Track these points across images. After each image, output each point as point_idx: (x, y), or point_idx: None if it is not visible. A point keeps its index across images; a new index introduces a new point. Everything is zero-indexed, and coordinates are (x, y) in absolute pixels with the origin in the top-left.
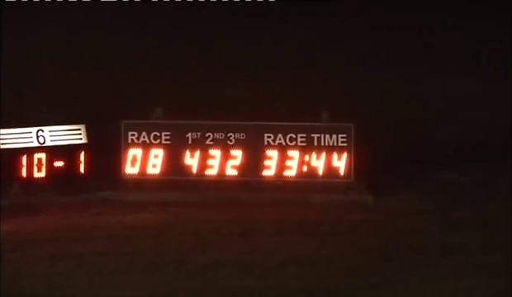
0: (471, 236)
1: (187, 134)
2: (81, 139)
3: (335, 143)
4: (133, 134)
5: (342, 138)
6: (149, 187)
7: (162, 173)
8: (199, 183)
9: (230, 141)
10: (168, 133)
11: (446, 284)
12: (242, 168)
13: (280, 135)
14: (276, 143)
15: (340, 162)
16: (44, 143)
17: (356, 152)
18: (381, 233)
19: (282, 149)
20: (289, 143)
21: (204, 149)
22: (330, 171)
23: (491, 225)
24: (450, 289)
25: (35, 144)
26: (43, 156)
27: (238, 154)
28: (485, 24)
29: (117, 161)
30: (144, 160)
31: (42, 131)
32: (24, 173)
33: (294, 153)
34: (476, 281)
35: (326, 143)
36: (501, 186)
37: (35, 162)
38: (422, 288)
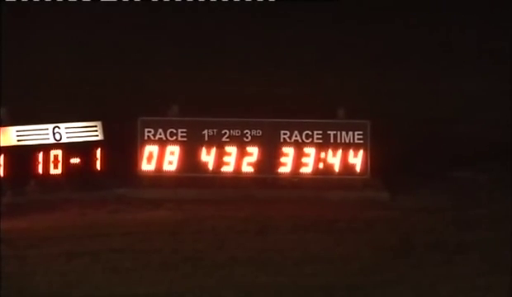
0: (486, 234)
1: (204, 131)
2: (97, 135)
3: (351, 141)
4: (149, 131)
5: (358, 135)
6: (165, 184)
7: (178, 170)
8: (215, 180)
9: (247, 138)
10: (185, 130)
11: (462, 281)
12: (258, 165)
13: (296, 132)
14: (292, 140)
15: (356, 160)
16: (60, 139)
17: (372, 149)
18: (397, 231)
19: (298, 146)
20: (305, 140)
21: (220, 146)
22: (346, 168)
23: (507, 223)
24: (466, 287)
25: (52, 141)
26: (59, 153)
27: (254, 151)
28: (502, 22)
29: (133, 158)
30: (160, 157)
31: (58, 128)
32: (40, 170)
33: (310, 150)
34: (492, 279)
35: (342, 140)
36: None
37: (52, 158)
38: (438, 285)
